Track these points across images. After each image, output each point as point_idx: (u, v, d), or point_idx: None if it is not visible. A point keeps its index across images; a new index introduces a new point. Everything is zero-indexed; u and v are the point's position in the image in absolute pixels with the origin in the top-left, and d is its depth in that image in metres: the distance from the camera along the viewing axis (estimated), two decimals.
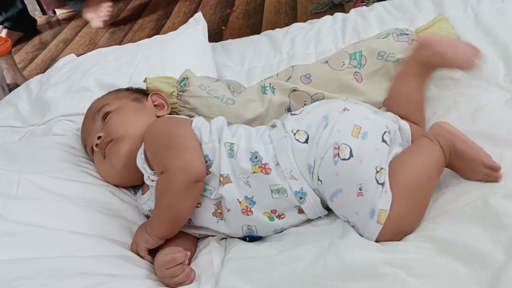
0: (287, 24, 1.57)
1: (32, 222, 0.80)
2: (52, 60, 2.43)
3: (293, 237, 0.86)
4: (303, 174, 0.84)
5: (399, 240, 0.78)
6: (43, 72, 1.55)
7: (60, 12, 3.17)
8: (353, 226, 0.82)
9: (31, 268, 0.70)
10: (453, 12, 1.27)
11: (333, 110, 0.87)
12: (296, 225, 0.89)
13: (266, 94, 1.09)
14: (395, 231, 0.78)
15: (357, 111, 0.88)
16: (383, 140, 0.84)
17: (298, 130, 0.86)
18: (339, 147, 0.81)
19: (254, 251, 0.85)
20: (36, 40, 2.82)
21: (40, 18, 3.13)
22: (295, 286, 0.74)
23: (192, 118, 0.97)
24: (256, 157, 0.86)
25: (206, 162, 0.87)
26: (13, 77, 1.87)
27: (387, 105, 1.04)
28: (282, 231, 0.89)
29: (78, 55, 1.52)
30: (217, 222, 0.89)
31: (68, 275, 0.71)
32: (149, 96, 1.06)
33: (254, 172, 0.85)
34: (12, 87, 1.78)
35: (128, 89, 1.10)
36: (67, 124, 1.14)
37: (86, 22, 2.76)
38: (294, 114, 0.92)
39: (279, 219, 0.87)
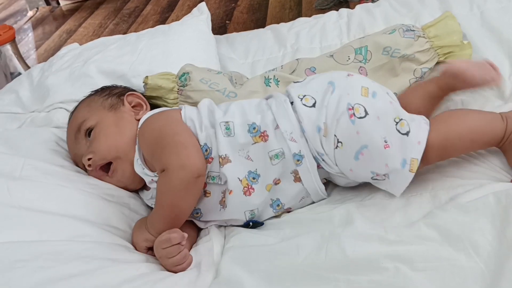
0: (292, 19, 1.56)
1: (34, 206, 0.79)
2: (55, 51, 2.43)
3: (293, 225, 0.86)
4: (308, 137, 0.85)
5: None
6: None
7: (64, 3, 3.16)
8: (379, 179, 0.84)
9: (31, 251, 0.70)
10: (459, 10, 1.26)
11: (337, 76, 0.90)
12: (293, 205, 0.91)
13: (270, 86, 1.09)
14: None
15: (360, 76, 0.92)
16: (392, 98, 0.87)
17: (305, 95, 0.88)
18: (353, 107, 0.83)
19: (254, 239, 0.85)
20: (39, 30, 2.82)
21: (43, 9, 3.13)
22: (295, 276, 0.74)
23: (179, 108, 0.96)
24: (254, 128, 0.87)
25: (206, 150, 0.87)
26: (16, 65, 1.86)
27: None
28: (280, 215, 0.90)
29: None
30: (219, 210, 0.89)
31: (68, 259, 0.71)
32: (125, 97, 1.03)
33: (254, 143, 0.87)
34: (15, 75, 1.77)
35: (100, 93, 1.05)
36: (65, 114, 1.13)
37: (90, 13, 2.76)
38: (298, 82, 0.94)
39: (275, 185, 0.88)
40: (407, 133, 0.81)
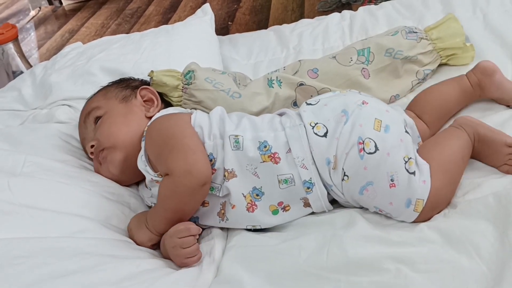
0: (294, 21, 1.56)
1: (34, 202, 0.79)
2: (57, 50, 2.43)
3: (295, 227, 0.86)
4: (317, 166, 0.84)
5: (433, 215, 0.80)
6: None
7: (67, 3, 3.16)
8: (382, 213, 0.84)
9: (31, 247, 0.70)
10: (462, 13, 1.27)
11: (351, 103, 0.87)
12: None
13: (273, 87, 1.08)
14: (433, 205, 0.80)
15: (375, 105, 0.88)
16: (406, 131, 0.85)
17: (317, 124, 0.86)
18: (363, 141, 0.81)
19: (256, 240, 0.84)
20: (41, 29, 2.82)
21: (46, 8, 3.13)
22: (296, 277, 0.73)
23: (190, 112, 0.96)
24: (265, 146, 0.85)
25: (211, 160, 0.86)
26: (19, 64, 1.86)
27: (417, 97, 1.04)
28: None
29: None
30: (219, 222, 0.89)
31: (68, 255, 0.70)
32: (138, 91, 1.03)
33: (263, 162, 0.85)
34: (17, 74, 1.77)
35: (118, 83, 1.06)
36: (69, 110, 1.13)
37: (92, 13, 2.77)
38: (310, 104, 0.91)
39: (284, 211, 0.86)
40: (414, 173, 0.80)
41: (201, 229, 0.81)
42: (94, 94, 1.06)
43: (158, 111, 0.99)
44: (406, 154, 0.81)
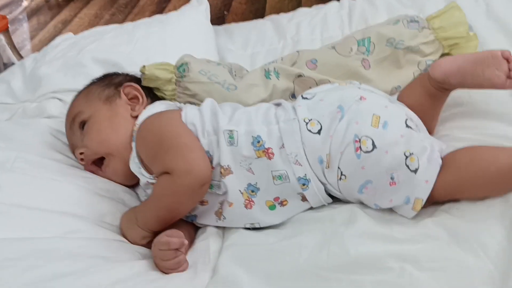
0: (291, 10, 1.53)
1: (25, 202, 0.77)
2: (50, 41, 2.35)
3: (294, 223, 0.84)
4: (310, 164, 0.81)
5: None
6: None
7: None
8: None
9: (21, 249, 0.68)
10: (465, 1, 1.23)
11: (348, 99, 0.83)
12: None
13: (270, 79, 1.05)
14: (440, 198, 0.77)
15: (374, 100, 0.84)
16: (408, 126, 0.81)
17: (311, 120, 0.82)
18: (360, 140, 0.78)
19: (254, 238, 0.82)
20: (34, 20, 2.78)
21: None
22: (297, 277, 0.71)
23: (179, 108, 0.92)
24: (258, 142, 0.83)
25: (208, 158, 0.83)
26: (10, 56, 1.83)
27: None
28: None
29: None
30: (216, 221, 0.86)
31: (60, 257, 0.68)
32: (122, 89, 0.98)
33: (258, 157, 0.82)
34: (8, 66, 1.74)
35: (100, 81, 1.02)
36: (60, 104, 1.11)
37: (86, 4, 2.72)
38: (306, 99, 0.87)
39: (281, 206, 0.84)
40: (415, 170, 0.76)
41: (186, 243, 0.76)
42: (75, 96, 1.01)
43: (144, 108, 0.95)
44: (407, 149, 0.77)
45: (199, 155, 0.81)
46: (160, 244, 0.76)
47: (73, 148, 0.97)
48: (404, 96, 0.95)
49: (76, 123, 0.95)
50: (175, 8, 2.35)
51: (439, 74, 0.87)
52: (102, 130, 0.93)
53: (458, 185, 0.76)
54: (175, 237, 0.76)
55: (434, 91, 0.90)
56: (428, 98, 0.91)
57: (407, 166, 0.76)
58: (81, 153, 0.92)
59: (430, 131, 0.92)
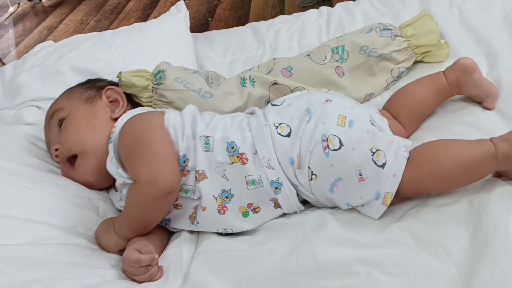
0: (274, 17, 1.55)
1: None
2: None
3: (266, 230, 0.85)
4: (282, 166, 0.83)
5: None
6: None
7: None
8: (353, 207, 0.83)
9: None
10: (438, 9, 1.26)
11: (315, 102, 0.86)
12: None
13: (246, 87, 1.07)
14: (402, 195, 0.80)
15: (339, 102, 0.87)
16: (372, 124, 0.84)
17: (281, 124, 0.85)
18: (327, 138, 0.80)
19: (226, 244, 0.83)
20: (20, 26, 2.77)
21: (25, 4, 3.08)
22: (266, 282, 0.72)
23: (162, 111, 0.93)
24: (232, 147, 0.84)
25: (184, 162, 0.84)
26: None
27: (392, 97, 1.01)
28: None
29: None
30: (190, 226, 0.87)
31: (31, 264, 0.68)
32: (104, 92, 1.00)
33: (232, 163, 0.84)
34: None
35: (82, 85, 1.03)
36: (37, 112, 1.11)
37: (72, 9, 2.72)
38: (275, 105, 0.90)
39: (254, 213, 0.85)
40: (382, 165, 0.78)
41: (156, 257, 0.76)
42: (58, 97, 1.03)
43: (124, 112, 0.97)
44: (373, 145, 0.80)
45: (165, 165, 0.82)
46: (130, 261, 0.76)
47: (49, 144, 0.98)
48: (410, 86, 1.00)
49: (55, 119, 0.97)
50: (160, 14, 2.36)
51: (470, 61, 0.96)
52: (78, 128, 0.94)
53: (421, 179, 0.79)
54: (145, 253, 0.76)
55: (445, 86, 0.97)
56: (435, 92, 0.97)
57: (374, 162, 0.79)
58: (56, 149, 0.94)
59: (415, 126, 0.99)
